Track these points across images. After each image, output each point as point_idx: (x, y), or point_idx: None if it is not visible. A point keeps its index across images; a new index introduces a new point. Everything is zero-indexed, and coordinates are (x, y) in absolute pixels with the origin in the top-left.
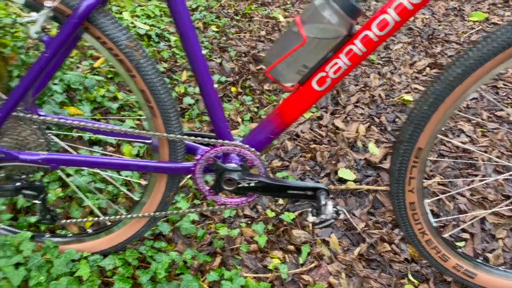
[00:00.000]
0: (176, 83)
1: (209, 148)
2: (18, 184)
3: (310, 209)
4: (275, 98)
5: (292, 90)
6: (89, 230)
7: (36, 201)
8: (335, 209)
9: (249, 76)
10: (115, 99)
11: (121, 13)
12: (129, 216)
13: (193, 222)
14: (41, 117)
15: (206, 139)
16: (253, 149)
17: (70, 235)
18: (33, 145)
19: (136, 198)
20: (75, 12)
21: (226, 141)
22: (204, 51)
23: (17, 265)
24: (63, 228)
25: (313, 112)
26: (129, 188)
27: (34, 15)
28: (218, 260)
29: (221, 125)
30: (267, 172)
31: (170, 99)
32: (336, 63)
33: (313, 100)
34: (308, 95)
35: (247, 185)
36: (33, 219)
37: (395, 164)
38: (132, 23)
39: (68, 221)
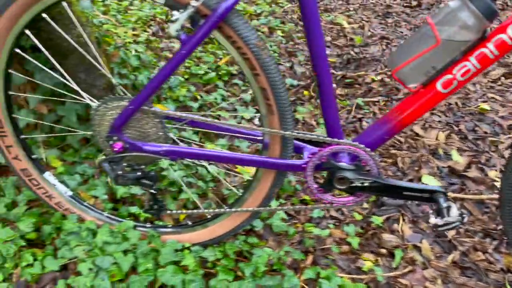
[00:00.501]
0: (248, 86)
1: (318, 148)
2: (138, 173)
3: (431, 211)
4: (348, 102)
5: (414, 92)
6: (189, 222)
7: (152, 190)
8: (459, 211)
9: None
10: (195, 99)
11: None
12: (232, 210)
13: (282, 220)
14: (164, 112)
15: (321, 137)
16: (368, 149)
17: (170, 226)
18: (153, 138)
19: (238, 193)
20: (214, 12)
21: (342, 140)
22: (273, 54)
23: (125, 252)
24: (159, 219)
25: None
26: (216, 185)
27: (176, 14)
28: (310, 258)
29: (334, 124)
30: (380, 172)
31: (287, 97)
32: (465, 66)
33: (435, 102)
34: (431, 97)
35: (360, 184)
36: (133, 209)
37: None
38: None
39: (174, 211)
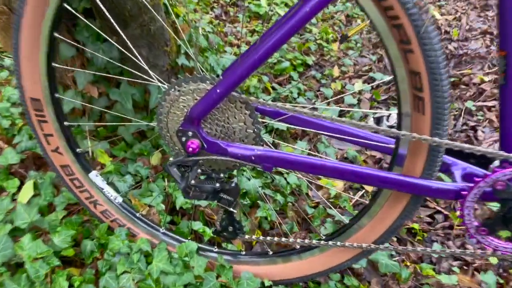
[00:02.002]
0: (327, 79)
1: (475, 166)
2: (217, 185)
3: None
4: (456, 106)
5: None
6: (269, 250)
7: (232, 209)
8: None
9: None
10: (267, 91)
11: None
12: (338, 244)
13: (390, 256)
14: (260, 101)
15: (494, 153)
16: None
17: (244, 253)
18: (238, 137)
19: (345, 221)
20: None
21: None
22: (350, 45)
23: (185, 286)
24: (226, 241)
25: None
26: (297, 199)
27: None
28: None
29: None
30: None
31: (449, 89)
32: None
33: None
34: None
35: None
36: (196, 224)
37: None
38: (271, 10)
39: (254, 237)
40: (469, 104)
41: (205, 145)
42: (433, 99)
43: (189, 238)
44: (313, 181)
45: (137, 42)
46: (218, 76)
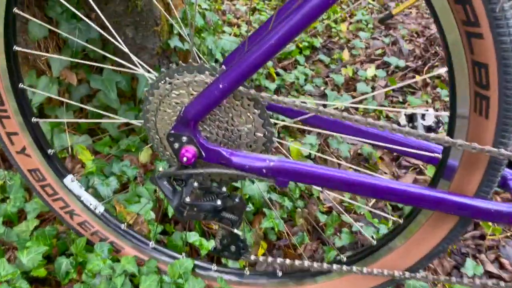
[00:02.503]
0: (337, 64)
1: None
2: (218, 202)
3: None
4: None
5: None
6: (278, 271)
7: (235, 231)
8: None
9: (436, 63)
10: (271, 78)
11: None
12: (363, 270)
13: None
14: (273, 98)
15: None
16: None
17: (248, 273)
18: (245, 142)
19: (372, 241)
20: None
21: None
22: (360, 26)
23: None
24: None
25: None
26: (306, 203)
27: None
28: None
29: None
30: None
31: None
32: None
33: None
34: None
35: None
36: (192, 236)
37: None
38: None
39: (262, 259)
40: None
41: (203, 153)
42: (502, 100)
43: (183, 253)
44: None
45: (121, 20)
46: (217, 62)
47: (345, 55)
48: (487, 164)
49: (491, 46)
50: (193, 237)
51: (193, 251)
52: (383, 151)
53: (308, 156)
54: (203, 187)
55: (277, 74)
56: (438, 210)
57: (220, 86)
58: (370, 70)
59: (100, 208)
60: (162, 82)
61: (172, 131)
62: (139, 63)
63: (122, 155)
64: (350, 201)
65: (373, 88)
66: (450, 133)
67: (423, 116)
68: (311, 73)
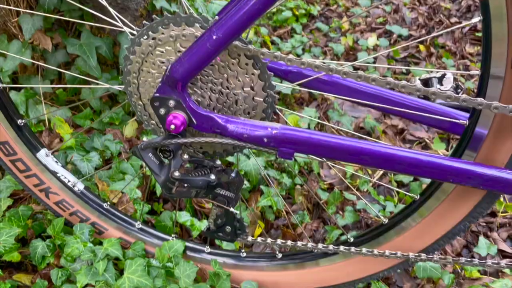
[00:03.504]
0: (336, 33)
1: None
2: (212, 177)
3: None
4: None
5: None
6: (277, 253)
7: (232, 209)
8: None
9: (441, 32)
10: (266, 46)
11: None
12: (374, 251)
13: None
14: (275, 54)
15: None
16: None
17: (244, 255)
18: (243, 108)
19: (383, 219)
20: None
21: None
22: None
23: None
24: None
25: None
26: (306, 180)
27: None
28: None
29: None
30: None
31: None
32: None
33: None
34: None
35: None
36: (183, 216)
37: None
38: None
39: (260, 240)
40: None
41: (194, 120)
42: None
43: (173, 234)
44: None
45: None
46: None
47: (345, 23)
48: None
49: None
50: (184, 216)
51: (184, 232)
52: (386, 125)
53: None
54: (194, 160)
55: (272, 42)
56: (467, 185)
57: (214, 37)
58: (372, 39)
59: (80, 186)
60: (145, 37)
61: (157, 94)
62: (120, 19)
63: (105, 128)
64: (356, 173)
65: (375, 59)
66: (481, 95)
67: (440, 80)
68: (309, 42)
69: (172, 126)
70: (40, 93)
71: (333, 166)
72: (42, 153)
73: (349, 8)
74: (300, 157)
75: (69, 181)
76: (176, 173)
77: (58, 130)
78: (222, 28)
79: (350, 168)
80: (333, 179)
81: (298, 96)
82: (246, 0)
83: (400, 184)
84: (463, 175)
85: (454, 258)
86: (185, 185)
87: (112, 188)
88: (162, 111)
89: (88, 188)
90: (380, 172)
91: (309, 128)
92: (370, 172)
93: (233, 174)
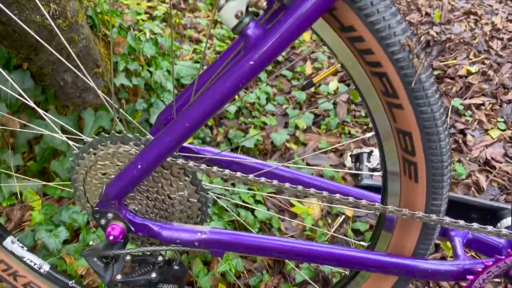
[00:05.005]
0: (300, 77)
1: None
2: (154, 275)
3: None
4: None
5: None
6: None
7: None
8: None
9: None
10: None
11: None
12: None
13: None
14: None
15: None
16: None
17: None
18: (179, 209)
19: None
20: None
21: None
22: None
23: None
24: None
25: (502, 130)
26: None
27: None
28: None
29: None
30: None
31: (449, 150)
32: None
33: None
34: None
35: None
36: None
37: None
38: None
39: None
40: (456, 102)
41: (132, 228)
42: (429, 166)
43: None
44: (285, 207)
45: (57, 67)
46: (169, 92)
47: (308, 67)
48: (421, 227)
49: (412, 116)
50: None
51: None
52: (345, 172)
53: None
54: (136, 260)
55: (237, 95)
56: (378, 272)
57: (139, 166)
58: (332, 84)
59: (46, 267)
60: (87, 153)
61: (97, 208)
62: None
63: (74, 197)
64: (313, 227)
65: (335, 104)
66: (384, 191)
67: (368, 157)
68: (273, 91)
69: (111, 237)
70: (11, 168)
71: (291, 220)
72: (8, 241)
73: (314, 51)
74: (261, 212)
75: (35, 264)
76: (118, 277)
77: (30, 202)
78: (145, 159)
79: (309, 221)
80: (295, 231)
81: (262, 148)
82: (162, 134)
83: (358, 233)
84: (377, 266)
85: None
86: (130, 285)
87: (79, 263)
88: (102, 221)
89: (54, 267)
90: (339, 221)
91: None
92: (329, 221)
93: (176, 267)
